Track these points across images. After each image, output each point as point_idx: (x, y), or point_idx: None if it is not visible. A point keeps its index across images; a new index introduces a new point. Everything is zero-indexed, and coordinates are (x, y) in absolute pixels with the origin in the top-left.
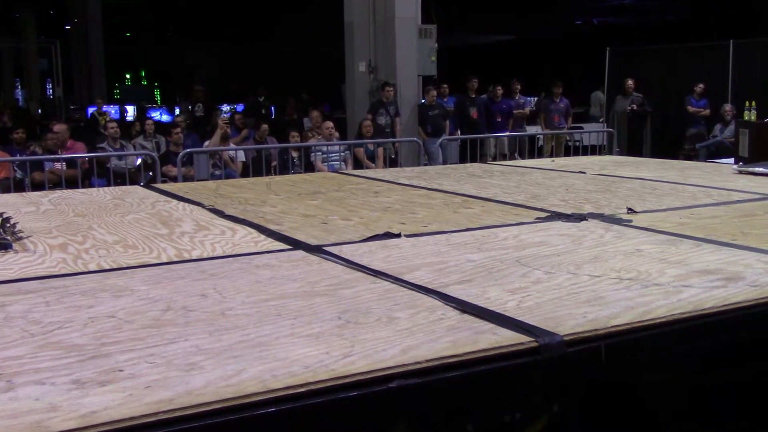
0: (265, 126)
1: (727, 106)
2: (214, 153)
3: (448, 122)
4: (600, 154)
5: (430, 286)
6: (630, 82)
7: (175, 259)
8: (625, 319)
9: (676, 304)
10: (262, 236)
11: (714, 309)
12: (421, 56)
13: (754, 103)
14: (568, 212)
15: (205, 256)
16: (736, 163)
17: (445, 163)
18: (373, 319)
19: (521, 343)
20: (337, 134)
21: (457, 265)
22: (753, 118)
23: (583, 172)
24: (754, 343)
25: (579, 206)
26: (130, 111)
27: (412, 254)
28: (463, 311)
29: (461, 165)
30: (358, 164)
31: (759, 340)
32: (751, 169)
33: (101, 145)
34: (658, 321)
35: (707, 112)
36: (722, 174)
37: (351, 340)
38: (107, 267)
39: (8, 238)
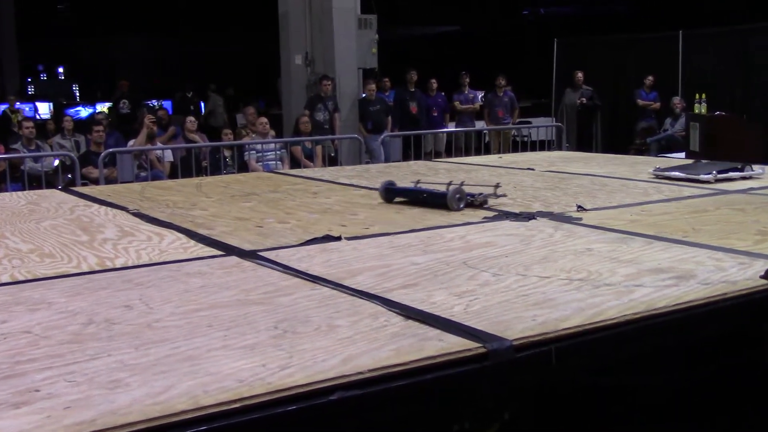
0: (191, 118)
1: (676, 99)
2: (140, 153)
3: (390, 118)
4: (549, 149)
5: (372, 292)
6: (579, 74)
7: (97, 268)
8: (575, 322)
9: (628, 304)
10: (192, 242)
11: (666, 308)
12: (360, 48)
13: (704, 96)
14: (517, 211)
15: (129, 264)
16: (687, 157)
17: (387, 160)
18: (312, 328)
19: (469, 350)
20: (272, 132)
21: (401, 269)
22: (704, 111)
23: (532, 169)
24: (707, 343)
25: (527, 204)
26: (44, 108)
27: (353, 258)
28: (408, 317)
29: (404, 163)
30: (295, 163)
31: (711, 339)
32: (667, 174)
33: (14, 146)
34: (610, 322)
35: (657, 105)
36: None
37: (289, 351)
38: (21, 278)
39: (476, 198)
